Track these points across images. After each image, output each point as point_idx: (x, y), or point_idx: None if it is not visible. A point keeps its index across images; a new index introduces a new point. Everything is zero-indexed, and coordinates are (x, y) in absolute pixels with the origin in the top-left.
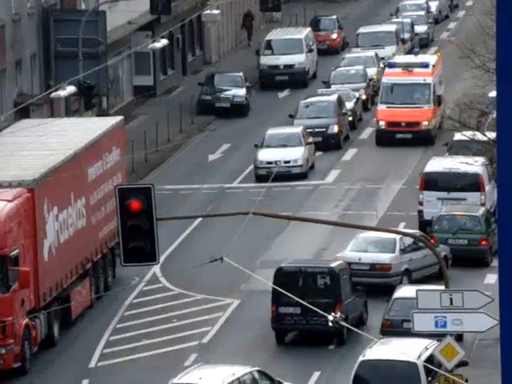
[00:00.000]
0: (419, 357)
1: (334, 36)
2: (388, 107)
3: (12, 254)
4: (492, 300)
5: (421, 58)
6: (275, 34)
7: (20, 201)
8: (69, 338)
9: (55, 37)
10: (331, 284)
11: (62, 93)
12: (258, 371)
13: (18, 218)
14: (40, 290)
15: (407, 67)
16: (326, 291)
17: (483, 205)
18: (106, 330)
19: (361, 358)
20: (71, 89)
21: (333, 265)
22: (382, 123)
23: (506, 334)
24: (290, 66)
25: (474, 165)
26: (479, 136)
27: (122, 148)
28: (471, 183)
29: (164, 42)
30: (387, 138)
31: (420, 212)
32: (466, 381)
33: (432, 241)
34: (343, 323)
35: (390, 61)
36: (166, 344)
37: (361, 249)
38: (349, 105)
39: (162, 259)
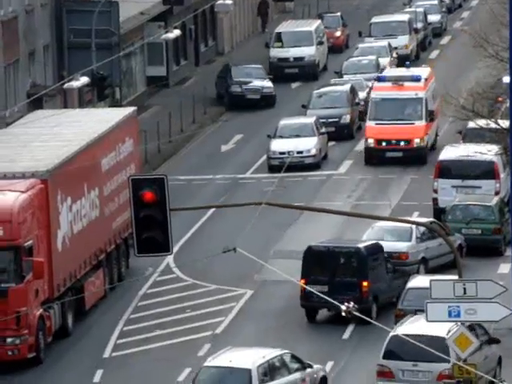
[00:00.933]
0: (448, 332)
1: (338, 34)
2: (377, 124)
3: (26, 244)
4: (506, 290)
5: (412, 71)
6: (285, 27)
7: (33, 192)
8: (83, 328)
9: (68, 27)
10: (358, 264)
11: (75, 84)
12: (288, 354)
13: (32, 208)
14: (54, 281)
15: (397, 81)
16: (352, 271)
17: (498, 193)
18: (120, 320)
19: (392, 333)
20: (84, 79)
21: (360, 245)
22: (370, 141)
23: None
24: (300, 59)
25: (487, 154)
26: (492, 124)
27: (135, 139)
28: (486, 171)
29: (177, 32)
30: (376, 157)
31: (435, 200)
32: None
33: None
34: (356, 313)
35: (380, 74)
36: (179, 334)
37: (377, 238)
38: (361, 95)
39: (175, 250)
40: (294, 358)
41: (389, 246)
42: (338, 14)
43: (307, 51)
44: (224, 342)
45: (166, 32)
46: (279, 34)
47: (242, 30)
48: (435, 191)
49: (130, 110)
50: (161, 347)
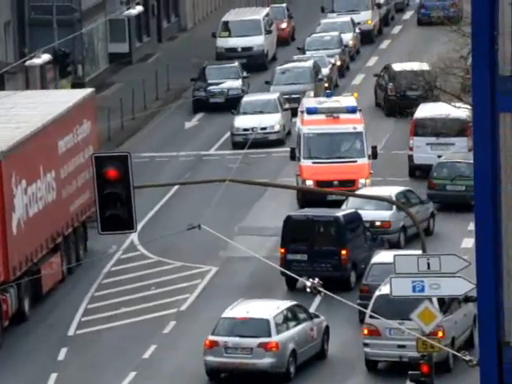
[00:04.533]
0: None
1: (284, 25)
2: (314, 163)
3: None
4: (469, 264)
5: (337, 100)
6: (232, 15)
7: None
8: (47, 307)
9: (29, 4)
10: (336, 233)
11: (37, 61)
12: (297, 305)
13: None
14: (9, 264)
15: (332, 113)
16: (331, 239)
17: (470, 150)
18: (84, 298)
19: (377, 293)
20: (46, 57)
21: (339, 214)
22: (309, 183)
23: (482, 297)
24: (249, 49)
25: (461, 108)
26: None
27: (93, 120)
28: (459, 129)
29: (139, 8)
30: (317, 200)
31: (410, 157)
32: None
33: (431, 186)
34: (321, 289)
35: (309, 106)
36: (145, 312)
37: (357, 207)
38: (324, 71)
39: (139, 227)
40: (302, 308)
41: (370, 214)
42: (284, 4)
43: (255, 41)
44: (189, 319)
45: (128, 8)
46: (226, 22)
47: (204, 5)
48: (411, 149)
49: (88, 91)
50: (126, 325)
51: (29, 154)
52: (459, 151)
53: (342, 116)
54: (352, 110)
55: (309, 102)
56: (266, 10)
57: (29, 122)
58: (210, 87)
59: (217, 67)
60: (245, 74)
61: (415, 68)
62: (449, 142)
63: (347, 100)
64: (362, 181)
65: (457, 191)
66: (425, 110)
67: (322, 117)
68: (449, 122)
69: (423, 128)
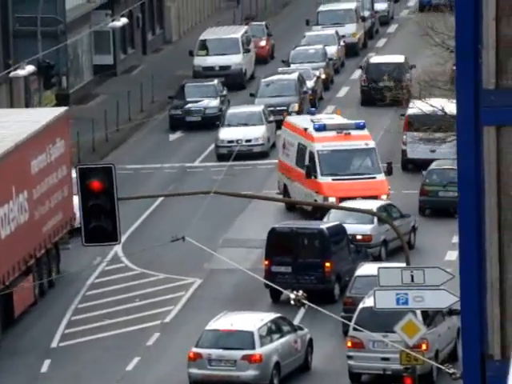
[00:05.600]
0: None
1: (263, 43)
2: (334, 180)
3: None
4: (453, 276)
5: (317, 118)
6: (210, 33)
7: None
8: (30, 319)
9: (14, 15)
10: (320, 245)
11: (21, 72)
12: (281, 317)
13: None
14: None
15: (342, 130)
16: (315, 252)
17: None
18: (68, 310)
19: (361, 306)
20: (30, 68)
21: (323, 226)
22: (332, 199)
23: (466, 310)
24: (226, 68)
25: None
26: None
27: (67, 140)
28: (451, 124)
29: (124, 20)
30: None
31: (403, 151)
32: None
33: (423, 193)
34: (305, 301)
35: (317, 123)
36: (129, 324)
37: (338, 221)
38: (309, 83)
39: (123, 239)
40: (286, 321)
41: (351, 228)
42: (263, 22)
43: (233, 59)
44: (173, 331)
45: (113, 20)
46: (204, 41)
47: (189, 18)
48: (404, 143)
49: (61, 110)
50: (110, 336)
51: (1, 174)
52: (453, 147)
53: (353, 132)
54: (361, 127)
55: (295, 119)
56: (245, 28)
57: (1, 141)
58: (187, 105)
59: (195, 85)
60: (224, 92)
61: (389, 60)
62: (441, 137)
63: (327, 118)
64: (383, 197)
65: (449, 197)
66: (417, 107)
67: (333, 133)
68: (441, 118)
69: (415, 124)
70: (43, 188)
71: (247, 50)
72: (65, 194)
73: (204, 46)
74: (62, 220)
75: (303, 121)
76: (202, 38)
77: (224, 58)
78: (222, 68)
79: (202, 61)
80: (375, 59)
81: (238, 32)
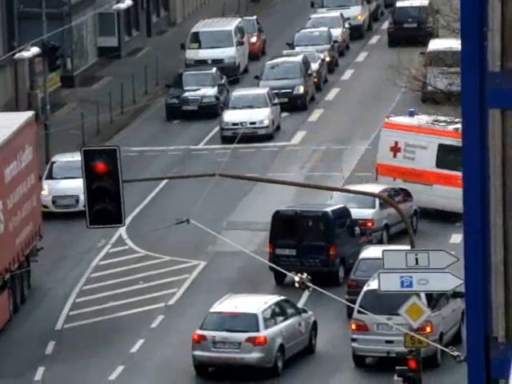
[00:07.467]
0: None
1: (254, 39)
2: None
3: None
4: (457, 259)
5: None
6: (202, 26)
7: None
8: (35, 301)
9: None
10: (325, 228)
11: (26, 54)
12: (285, 300)
13: None
14: None
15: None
16: (319, 235)
17: None
18: (72, 292)
19: (365, 288)
20: (35, 50)
21: (328, 209)
22: None
23: (470, 293)
24: (219, 61)
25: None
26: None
27: (35, 146)
28: None
29: (128, 2)
30: None
31: (424, 84)
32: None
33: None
34: (309, 284)
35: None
36: (133, 306)
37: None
38: (314, 66)
39: (127, 221)
40: (290, 303)
41: (353, 212)
42: (254, 17)
43: (227, 52)
44: (177, 314)
45: (118, 2)
46: (196, 33)
47: (194, 0)
48: (425, 77)
49: (29, 114)
50: (114, 319)
51: None
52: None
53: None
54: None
55: (407, 119)
56: (238, 20)
57: None
58: (184, 94)
59: (193, 73)
60: (223, 81)
61: (414, 4)
62: (458, 71)
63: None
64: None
65: None
66: (437, 44)
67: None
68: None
69: (436, 59)
70: (16, 197)
71: (240, 43)
72: (34, 204)
73: (196, 38)
74: (32, 232)
75: (419, 121)
76: (193, 30)
77: (217, 51)
78: (215, 61)
79: (194, 54)
80: (402, 3)
81: (231, 24)
